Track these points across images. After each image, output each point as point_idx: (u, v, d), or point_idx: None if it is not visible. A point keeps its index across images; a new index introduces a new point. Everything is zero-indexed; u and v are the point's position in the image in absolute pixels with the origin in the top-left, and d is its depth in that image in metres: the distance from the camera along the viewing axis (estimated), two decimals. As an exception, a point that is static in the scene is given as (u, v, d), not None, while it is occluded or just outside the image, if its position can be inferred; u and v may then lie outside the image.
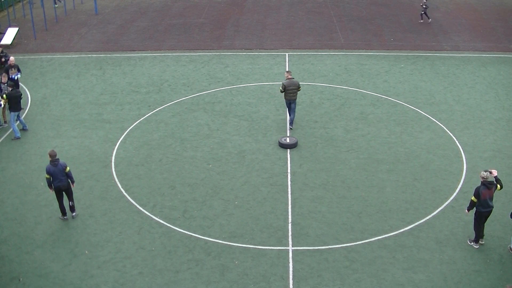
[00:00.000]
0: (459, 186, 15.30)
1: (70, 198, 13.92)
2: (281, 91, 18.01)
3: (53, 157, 13.43)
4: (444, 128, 18.52)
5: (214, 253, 12.81)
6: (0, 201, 14.85)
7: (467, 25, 30.20)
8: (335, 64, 24.42)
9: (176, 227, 13.72)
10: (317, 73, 23.29)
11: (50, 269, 12.35)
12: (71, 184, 13.77)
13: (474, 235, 13.03)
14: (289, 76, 18.10)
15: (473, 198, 12.50)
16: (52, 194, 13.85)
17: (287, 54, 25.55)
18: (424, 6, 30.39)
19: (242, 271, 12.27)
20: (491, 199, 12.53)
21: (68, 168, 13.58)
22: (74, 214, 14.05)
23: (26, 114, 19.72)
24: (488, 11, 33.11)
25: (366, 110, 19.79)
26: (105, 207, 14.43)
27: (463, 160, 16.60)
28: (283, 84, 17.97)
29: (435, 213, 14.19)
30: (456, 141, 17.66)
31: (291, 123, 18.52)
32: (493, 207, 12.66)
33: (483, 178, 12.42)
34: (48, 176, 13.41)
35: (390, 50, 26.40)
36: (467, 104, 20.35)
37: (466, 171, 16.00)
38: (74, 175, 15.66)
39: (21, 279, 12.03)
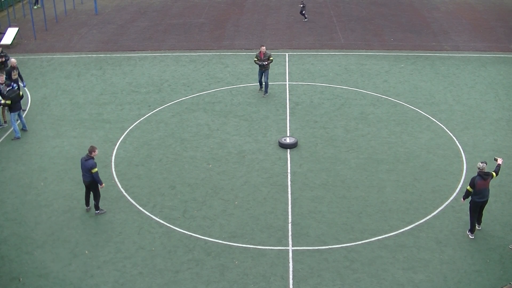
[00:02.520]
0: (459, 186, 15.30)
1: (94, 197, 14.01)
2: (271, 62, 20.72)
3: (88, 152, 13.63)
4: (444, 128, 18.53)
5: (214, 253, 12.81)
6: (0, 201, 14.85)
7: (467, 25, 30.20)
8: (335, 64, 24.42)
9: (176, 227, 13.72)
10: (317, 73, 23.29)
11: (50, 269, 12.35)
12: (99, 185, 13.77)
13: (469, 226, 13.32)
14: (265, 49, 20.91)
15: (468, 188, 12.91)
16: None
17: (287, 54, 25.54)
18: (301, 5, 30.98)
19: (242, 271, 12.27)
20: (487, 190, 12.88)
21: (94, 170, 13.48)
22: (96, 212, 14.11)
23: (26, 114, 19.70)
24: (488, 11, 33.12)
25: (366, 110, 19.79)
26: (105, 207, 14.41)
27: (463, 160, 16.60)
28: (271, 54, 20.80)
29: (435, 213, 14.19)
30: (456, 141, 17.66)
31: (267, 90, 21.15)
32: (488, 198, 13.00)
33: (479, 169, 12.79)
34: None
35: (390, 50, 26.41)
36: (467, 104, 20.35)
37: (466, 171, 16.00)
38: (74, 175, 15.72)
39: (21, 279, 12.03)
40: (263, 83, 21.06)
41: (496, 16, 31.93)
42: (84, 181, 13.85)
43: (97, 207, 14.11)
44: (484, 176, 12.72)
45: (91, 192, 14.02)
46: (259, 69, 20.85)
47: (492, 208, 14.16)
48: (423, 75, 23.17)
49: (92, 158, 13.57)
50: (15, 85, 18.43)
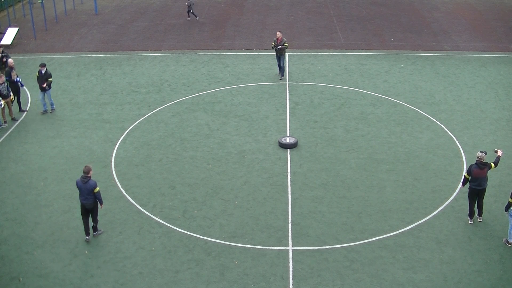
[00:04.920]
0: (459, 186, 15.29)
1: (94, 218, 13.14)
2: (286, 47, 22.13)
3: (85, 173, 12.66)
4: (444, 128, 18.53)
5: (214, 253, 12.81)
6: (0, 201, 14.85)
7: (467, 25, 30.20)
8: (335, 64, 24.42)
9: (176, 227, 13.72)
10: (317, 73, 23.29)
11: (50, 269, 12.35)
12: (99, 205, 13.01)
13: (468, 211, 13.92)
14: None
15: (465, 174, 13.59)
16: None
17: (287, 54, 25.52)
18: (187, 4, 31.22)
19: (242, 271, 12.27)
20: (484, 178, 13.35)
21: (97, 189, 12.67)
22: (95, 233, 13.36)
23: (26, 114, 19.75)
24: (488, 11, 33.12)
25: (366, 110, 19.79)
26: (105, 207, 14.38)
27: (463, 160, 16.60)
28: (286, 41, 22.27)
29: (435, 213, 14.19)
30: (456, 141, 17.66)
31: (283, 73, 22.80)
32: (485, 187, 13.45)
33: (478, 157, 13.26)
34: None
35: (390, 50, 26.41)
36: (467, 104, 20.35)
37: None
38: (74, 175, 15.71)
39: (21, 279, 12.03)
40: (281, 67, 22.77)
41: (496, 16, 31.93)
42: (85, 205, 12.80)
43: (95, 228, 13.34)
44: (480, 165, 13.21)
45: (88, 217, 13.08)
46: (276, 54, 22.30)
47: (492, 208, 14.18)
48: (423, 75, 23.17)
49: (90, 177, 12.67)
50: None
